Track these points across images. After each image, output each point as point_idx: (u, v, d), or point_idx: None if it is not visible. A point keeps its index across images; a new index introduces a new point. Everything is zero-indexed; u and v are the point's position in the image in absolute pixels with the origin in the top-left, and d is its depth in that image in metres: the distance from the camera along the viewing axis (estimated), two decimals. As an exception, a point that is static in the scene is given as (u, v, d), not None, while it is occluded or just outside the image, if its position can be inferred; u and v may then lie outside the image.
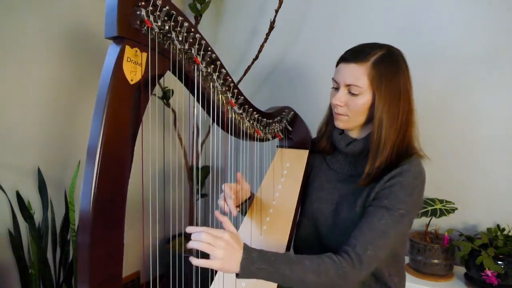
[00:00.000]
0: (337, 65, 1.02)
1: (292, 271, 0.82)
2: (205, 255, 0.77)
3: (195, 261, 0.75)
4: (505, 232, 1.49)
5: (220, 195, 1.05)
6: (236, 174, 1.08)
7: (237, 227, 1.12)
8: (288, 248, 1.02)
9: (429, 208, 1.50)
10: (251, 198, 1.15)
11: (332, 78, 1.02)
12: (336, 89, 1.02)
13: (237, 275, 0.80)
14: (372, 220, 0.90)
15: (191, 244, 0.77)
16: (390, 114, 0.94)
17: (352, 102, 0.98)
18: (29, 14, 1.57)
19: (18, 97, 1.56)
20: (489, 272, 1.33)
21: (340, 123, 1.03)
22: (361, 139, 1.03)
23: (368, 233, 0.89)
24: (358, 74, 0.95)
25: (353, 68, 0.96)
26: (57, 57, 1.69)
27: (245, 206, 1.12)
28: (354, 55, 0.97)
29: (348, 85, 0.97)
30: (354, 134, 1.06)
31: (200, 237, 0.76)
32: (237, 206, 1.07)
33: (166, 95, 1.97)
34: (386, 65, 0.95)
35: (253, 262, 0.79)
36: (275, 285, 0.92)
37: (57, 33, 1.68)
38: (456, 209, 1.51)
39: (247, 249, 0.81)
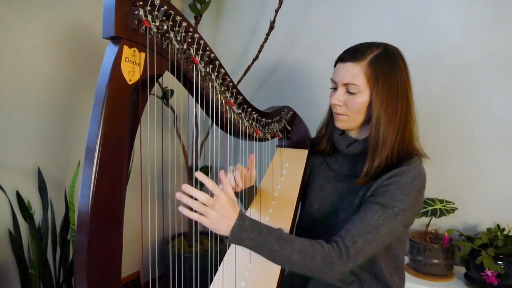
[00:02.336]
0: (335, 65, 1.03)
1: (280, 248, 0.83)
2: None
3: (186, 212, 0.77)
4: (505, 232, 1.48)
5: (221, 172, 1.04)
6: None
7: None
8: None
9: (429, 208, 1.50)
10: (255, 187, 1.15)
11: (331, 79, 1.03)
12: (335, 89, 1.02)
13: (226, 239, 0.82)
14: (365, 215, 0.90)
15: (184, 200, 0.76)
16: (388, 112, 0.94)
17: (351, 101, 0.98)
18: (28, 15, 1.57)
19: (18, 97, 1.56)
20: (489, 272, 1.33)
21: (340, 123, 1.03)
22: (361, 140, 1.03)
23: (360, 227, 0.89)
24: (355, 73, 0.95)
25: (350, 67, 0.96)
26: (57, 57, 1.69)
27: (254, 192, 1.12)
28: (351, 54, 0.97)
29: (345, 84, 0.98)
30: (354, 135, 1.06)
31: (196, 195, 0.77)
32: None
33: (165, 95, 1.97)
34: (383, 63, 0.95)
35: (245, 230, 0.81)
36: (275, 284, 0.93)
37: (57, 33, 1.68)
38: (456, 209, 1.50)
39: (241, 216, 0.82)
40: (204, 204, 0.78)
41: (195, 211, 0.78)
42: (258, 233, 0.82)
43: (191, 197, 0.77)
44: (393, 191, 0.91)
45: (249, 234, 0.82)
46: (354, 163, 1.05)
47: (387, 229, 0.89)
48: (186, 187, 0.76)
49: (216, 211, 0.78)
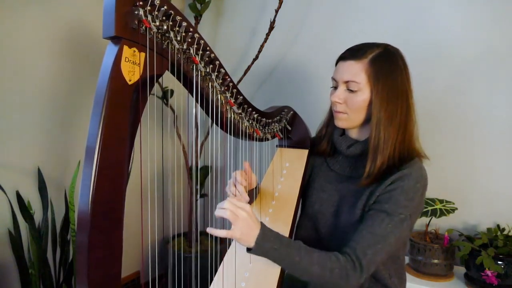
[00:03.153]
0: (336, 64, 1.03)
1: (301, 259, 0.86)
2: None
3: (216, 232, 0.80)
4: (505, 232, 1.49)
5: (229, 182, 1.06)
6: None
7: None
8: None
9: (429, 208, 1.50)
10: (257, 188, 1.15)
11: (332, 77, 1.03)
12: (335, 88, 1.02)
13: (249, 250, 0.84)
14: (373, 225, 0.91)
15: (217, 213, 0.82)
16: (388, 112, 0.94)
17: (351, 99, 0.98)
18: (28, 14, 1.57)
19: (18, 97, 1.56)
20: (489, 272, 1.33)
21: (339, 122, 1.03)
22: (362, 141, 1.03)
23: (368, 237, 0.89)
24: (356, 70, 0.96)
25: (351, 64, 0.97)
26: (57, 57, 1.69)
27: (254, 193, 1.12)
28: (352, 53, 0.98)
29: (346, 82, 0.98)
30: (354, 135, 1.06)
31: (224, 205, 0.81)
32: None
33: (165, 95, 1.97)
34: (384, 62, 0.95)
35: (269, 240, 0.84)
36: (275, 284, 0.93)
37: (57, 33, 1.68)
38: (456, 209, 1.50)
39: (264, 227, 0.85)
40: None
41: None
42: (280, 244, 0.85)
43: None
44: (397, 197, 0.91)
45: (273, 244, 0.84)
46: (354, 164, 1.05)
47: (395, 237, 0.90)
48: (210, 230, 0.80)
49: (243, 219, 0.82)
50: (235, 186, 1.03)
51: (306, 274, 0.87)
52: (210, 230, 0.80)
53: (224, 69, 0.91)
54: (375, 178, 0.95)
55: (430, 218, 1.50)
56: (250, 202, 1.13)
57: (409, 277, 1.47)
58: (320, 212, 1.07)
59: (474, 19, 1.59)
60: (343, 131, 1.09)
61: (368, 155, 0.97)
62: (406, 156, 0.95)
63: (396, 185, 0.92)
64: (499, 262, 1.35)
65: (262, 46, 1.91)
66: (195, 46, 0.82)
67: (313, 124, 1.23)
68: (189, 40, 0.80)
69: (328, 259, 0.87)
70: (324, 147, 1.13)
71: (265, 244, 0.83)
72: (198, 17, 1.98)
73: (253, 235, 0.83)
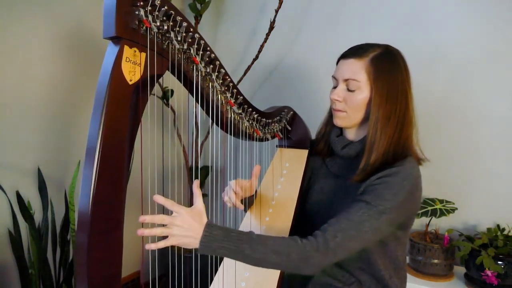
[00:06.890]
0: (337, 63, 1.03)
1: (254, 251, 0.82)
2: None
3: (153, 246, 0.76)
4: (505, 232, 1.49)
5: (226, 189, 1.06)
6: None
7: (236, 227, 1.12)
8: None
9: (429, 208, 1.50)
10: (255, 195, 1.14)
11: (332, 76, 1.03)
12: (336, 87, 1.02)
13: (197, 250, 0.81)
14: (350, 211, 0.90)
15: (144, 232, 0.74)
16: (386, 111, 0.94)
17: (351, 97, 0.98)
18: (29, 15, 1.57)
19: (18, 97, 1.56)
20: (489, 272, 1.33)
21: (338, 120, 1.03)
22: (357, 141, 1.03)
23: (343, 222, 0.88)
24: (356, 69, 0.96)
25: (351, 63, 0.97)
26: (57, 57, 1.69)
27: (249, 201, 1.12)
28: (353, 51, 0.99)
29: (346, 80, 0.98)
30: (351, 135, 1.06)
31: (155, 219, 0.76)
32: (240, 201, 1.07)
33: (165, 95, 1.97)
34: (384, 62, 0.95)
35: (214, 239, 0.80)
36: (275, 284, 0.93)
37: (57, 33, 1.68)
38: (456, 209, 1.50)
39: (209, 226, 0.81)
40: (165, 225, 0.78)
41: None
42: (228, 241, 0.81)
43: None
44: (380, 190, 0.90)
45: (219, 243, 0.81)
46: (351, 165, 1.04)
47: (370, 226, 0.88)
48: (145, 218, 0.75)
49: (177, 226, 0.78)
50: (230, 194, 1.03)
51: (264, 264, 0.84)
52: (148, 246, 0.76)
53: (224, 69, 0.91)
54: (368, 174, 0.94)
55: (430, 218, 1.50)
56: (249, 207, 1.12)
57: (409, 277, 1.47)
58: (319, 213, 1.07)
59: (474, 20, 1.59)
60: (340, 132, 1.09)
61: (363, 154, 0.97)
62: (400, 153, 0.95)
63: (382, 180, 0.91)
64: (499, 262, 1.35)
65: (262, 46, 1.91)
66: (195, 46, 0.82)
67: (314, 125, 1.23)
68: (190, 40, 0.80)
69: (285, 245, 0.84)
70: (322, 147, 1.14)
71: (211, 245, 0.80)
72: (198, 17, 1.98)
73: (194, 238, 0.79)
